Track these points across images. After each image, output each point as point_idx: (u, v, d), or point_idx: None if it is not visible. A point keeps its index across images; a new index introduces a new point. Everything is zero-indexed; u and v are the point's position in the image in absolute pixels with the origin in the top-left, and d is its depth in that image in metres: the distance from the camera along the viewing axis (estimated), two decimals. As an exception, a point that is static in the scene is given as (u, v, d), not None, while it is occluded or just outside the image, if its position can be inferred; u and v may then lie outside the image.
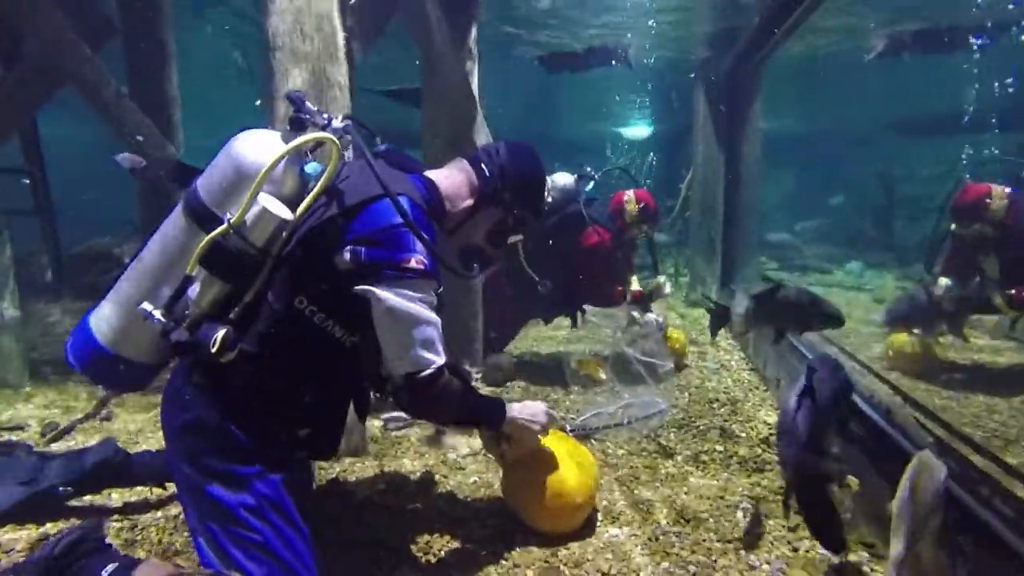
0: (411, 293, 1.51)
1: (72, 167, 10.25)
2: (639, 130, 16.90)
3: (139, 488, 2.26)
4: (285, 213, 1.49)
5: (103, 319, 1.59)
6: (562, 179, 3.77)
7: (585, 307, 3.86)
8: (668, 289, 4.14)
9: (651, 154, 8.52)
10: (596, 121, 16.36)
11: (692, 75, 6.53)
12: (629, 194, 3.92)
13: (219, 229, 1.45)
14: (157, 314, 1.48)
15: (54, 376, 3.72)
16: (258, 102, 2.36)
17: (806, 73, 9.56)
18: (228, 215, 1.46)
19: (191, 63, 5.33)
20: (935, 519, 1.46)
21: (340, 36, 2.48)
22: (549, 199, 3.61)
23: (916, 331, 3.93)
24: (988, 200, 3.47)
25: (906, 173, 13.11)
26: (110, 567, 1.44)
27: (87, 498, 2.18)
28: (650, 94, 12.06)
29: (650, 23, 6.87)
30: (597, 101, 13.53)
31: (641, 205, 3.89)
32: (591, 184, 4.59)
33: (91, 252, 6.18)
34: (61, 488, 2.00)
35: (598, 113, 15.23)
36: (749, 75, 5.91)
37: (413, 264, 1.49)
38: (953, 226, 3.73)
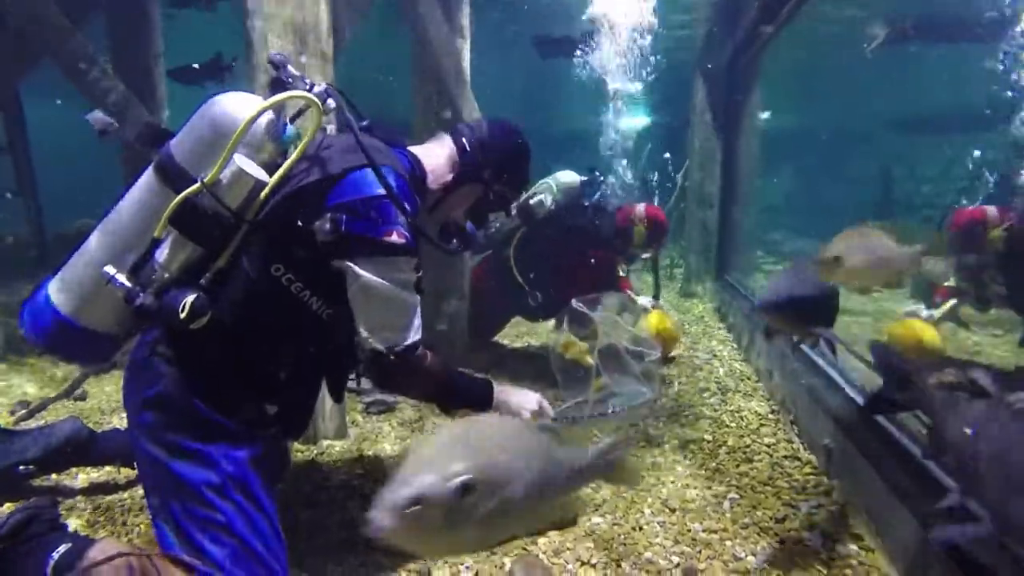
0: (389, 268, 1.45)
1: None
2: (637, 120, 16.76)
3: (108, 468, 2.20)
4: (261, 175, 1.43)
5: (64, 285, 1.51)
6: (566, 178, 3.52)
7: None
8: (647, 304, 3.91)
9: (647, 145, 8.35)
10: (597, 112, 16.16)
11: (703, 61, 6.30)
12: (639, 210, 3.62)
13: (192, 188, 1.38)
14: (121, 278, 1.41)
15: (31, 355, 3.63)
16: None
17: (807, 68, 9.42)
18: (202, 176, 1.39)
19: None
20: None
21: (324, 4, 2.39)
22: (551, 203, 3.42)
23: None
24: (984, 229, 3.22)
25: (908, 172, 13.01)
26: (62, 547, 1.37)
27: (52, 477, 2.11)
28: (649, 84, 11.89)
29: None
30: (597, 90, 13.33)
31: (649, 223, 3.61)
32: (597, 192, 4.33)
33: (79, 232, 6.06)
34: (22, 467, 1.92)
35: (599, 102, 15.02)
36: (748, 64, 5.81)
37: (394, 238, 1.43)
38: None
